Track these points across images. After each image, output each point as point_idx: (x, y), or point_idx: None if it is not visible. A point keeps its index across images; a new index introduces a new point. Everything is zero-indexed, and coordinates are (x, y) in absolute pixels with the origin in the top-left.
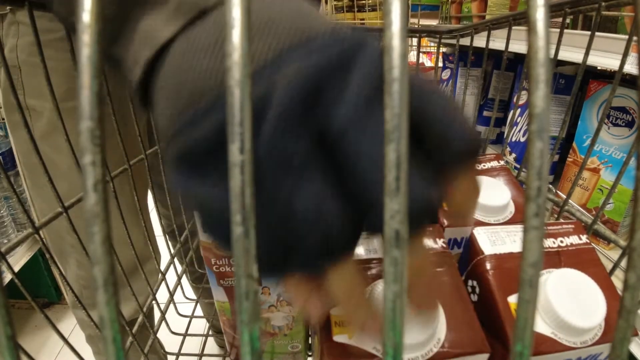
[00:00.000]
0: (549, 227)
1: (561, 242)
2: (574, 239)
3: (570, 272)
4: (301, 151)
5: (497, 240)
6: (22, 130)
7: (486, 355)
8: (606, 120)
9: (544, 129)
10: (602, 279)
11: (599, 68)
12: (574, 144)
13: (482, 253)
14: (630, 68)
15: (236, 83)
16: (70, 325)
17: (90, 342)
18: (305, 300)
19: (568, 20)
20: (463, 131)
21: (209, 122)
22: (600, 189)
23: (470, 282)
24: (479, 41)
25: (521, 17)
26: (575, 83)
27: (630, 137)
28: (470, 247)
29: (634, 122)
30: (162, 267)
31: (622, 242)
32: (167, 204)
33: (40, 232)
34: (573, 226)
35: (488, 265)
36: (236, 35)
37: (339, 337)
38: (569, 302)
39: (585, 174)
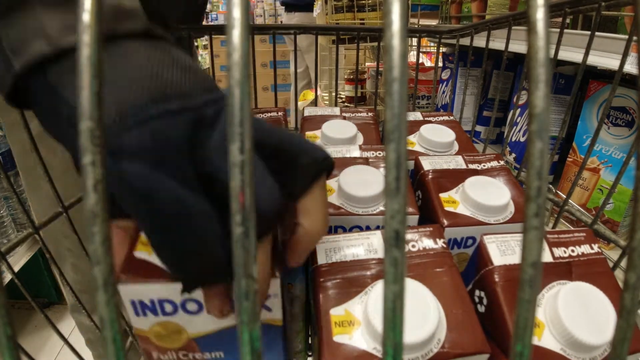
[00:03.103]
0: (559, 236)
1: (572, 251)
2: (585, 248)
3: (581, 285)
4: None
5: (507, 249)
6: (17, 131)
7: (486, 356)
8: (606, 120)
9: (544, 129)
10: (613, 291)
11: (599, 68)
12: (574, 144)
13: (492, 263)
14: (630, 68)
15: (236, 83)
16: (70, 325)
17: (90, 346)
18: (221, 305)
19: (568, 20)
20: (314, 149)
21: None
22: (600, 189)
23: (477, 293)
24: (479, 41)
25: (521, 17)
26: (575, 83)
27: (630, 137)
28: (478, 255)
29: (634, 122)
30: None
31: (622, 242)
32: None
33: (40, 232)
34: (584, 234)
35: (497, 277)
36: (236, 35)
37: (339, 337)
38: (580, 317)
39: (585, 174)
